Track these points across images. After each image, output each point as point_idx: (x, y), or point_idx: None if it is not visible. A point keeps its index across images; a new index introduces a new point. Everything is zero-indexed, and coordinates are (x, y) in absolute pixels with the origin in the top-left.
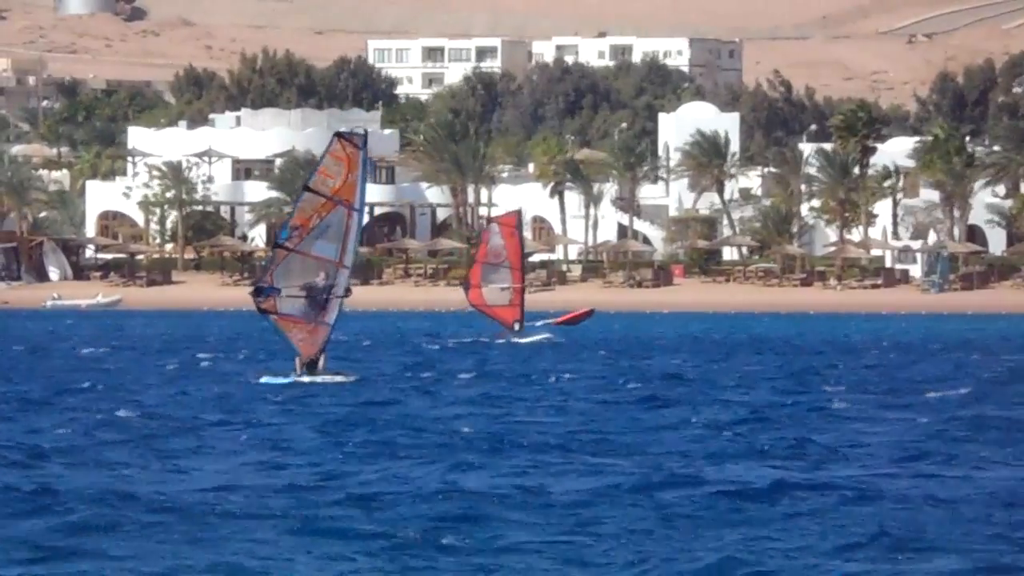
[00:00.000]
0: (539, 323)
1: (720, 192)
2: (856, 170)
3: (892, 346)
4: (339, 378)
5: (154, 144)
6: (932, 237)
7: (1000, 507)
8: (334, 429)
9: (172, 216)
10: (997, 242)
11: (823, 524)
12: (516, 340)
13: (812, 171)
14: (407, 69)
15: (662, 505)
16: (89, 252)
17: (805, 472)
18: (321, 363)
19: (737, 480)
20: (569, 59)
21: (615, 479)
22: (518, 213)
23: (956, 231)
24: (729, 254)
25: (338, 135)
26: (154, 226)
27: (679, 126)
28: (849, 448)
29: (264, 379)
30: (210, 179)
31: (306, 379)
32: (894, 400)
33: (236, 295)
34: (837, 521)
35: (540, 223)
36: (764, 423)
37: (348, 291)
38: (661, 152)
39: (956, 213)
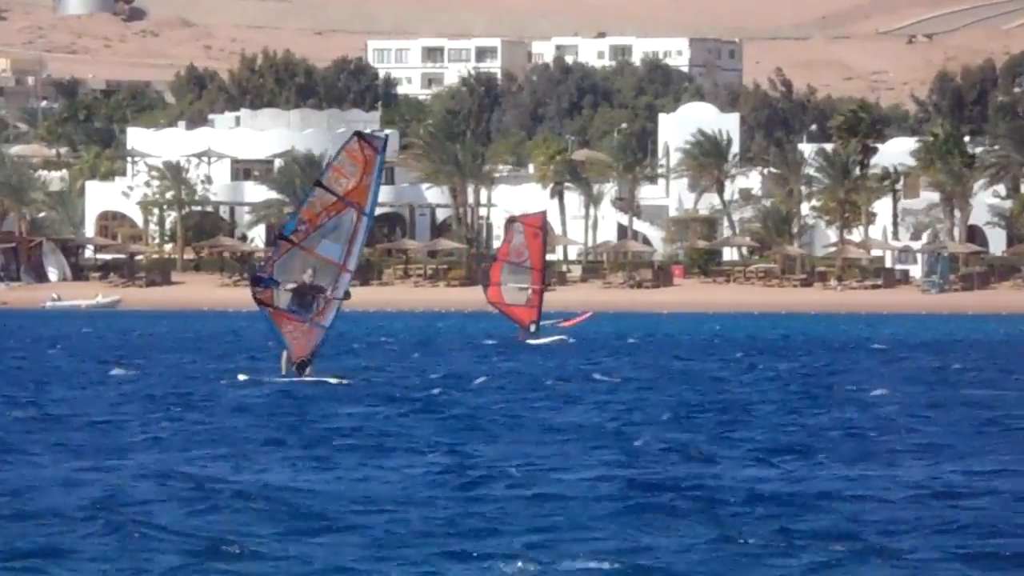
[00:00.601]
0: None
1: (720, 192)
2: (856, 170)
3: (854, 347)
4: (334, 380)
5: (153, 144)
6: (931, 237)
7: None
8: (209, 427)
9: (171, 216)
10: (997, 242)
11: (617, 521)
12: (531, 341)
13: (812, 171)
14: (407, 69)
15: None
16: (88, 252)
17: (639, 472)
18: (308, 368)
19: (550, 481)
20: (569, 59)
21: (419, 478)
22: (543, 214)
23: (956, 231)
24: (729, 254)
25: (359, 135)
26: (153, 226)
27: (679, 126)
28: (710, 448)
29: (241, 377)
30: (208, 179)
31: (305, 378)
32: (797, 401)
33: (235, 296)
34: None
35: None
36: (638, 425)
37: (347, 294)
38: (661, 152)
39: (956, 213)
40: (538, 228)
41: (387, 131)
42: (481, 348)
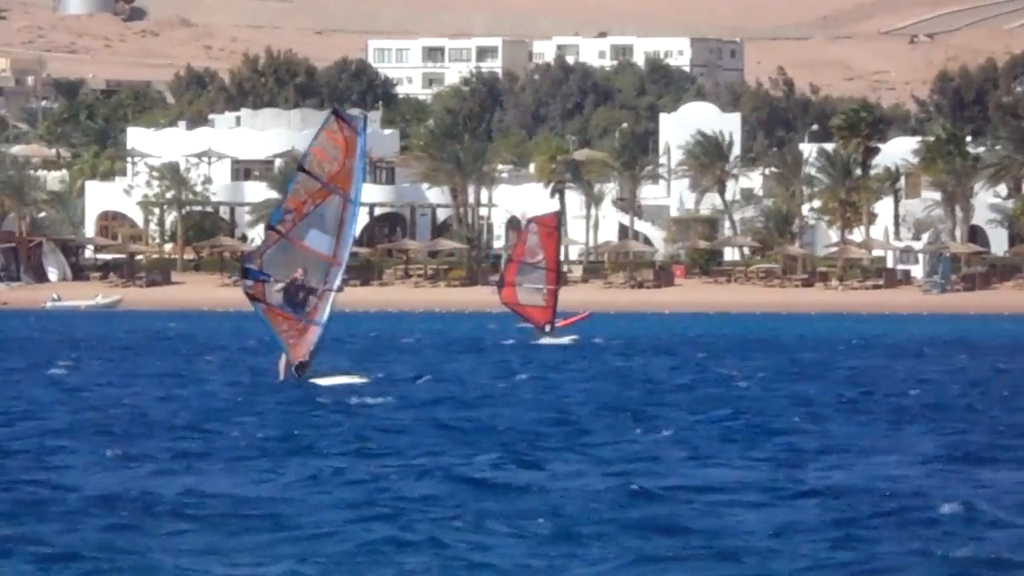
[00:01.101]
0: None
1: (721, 192)
2: (857, 170)
3: (823, 347)
4: (353, 380)
5: (153, 144)
6: (932, 237)
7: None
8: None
9: (171, 216)
10: (999, 243)
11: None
12: (546, 341)
13: (813, 171)
14: (407, 69)
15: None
16: (88, 252)
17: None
18: (307, 370)
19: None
20: (570, 59)
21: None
22: (557, 214)
23: (958, 232)
24: (730, 254)
25: (335, 113)
26: (153, 226)
27: (680, 126)
28: (563, 450)
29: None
30: (208, 180)
31: (324, 382)
32: (691, 402)
33: (235, 296)
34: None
35: None
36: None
37: (340, 287)
38: (662, 152)
39: (958, 213)
40: (553, 228)
41: (366, 114)
42: (451, 348)
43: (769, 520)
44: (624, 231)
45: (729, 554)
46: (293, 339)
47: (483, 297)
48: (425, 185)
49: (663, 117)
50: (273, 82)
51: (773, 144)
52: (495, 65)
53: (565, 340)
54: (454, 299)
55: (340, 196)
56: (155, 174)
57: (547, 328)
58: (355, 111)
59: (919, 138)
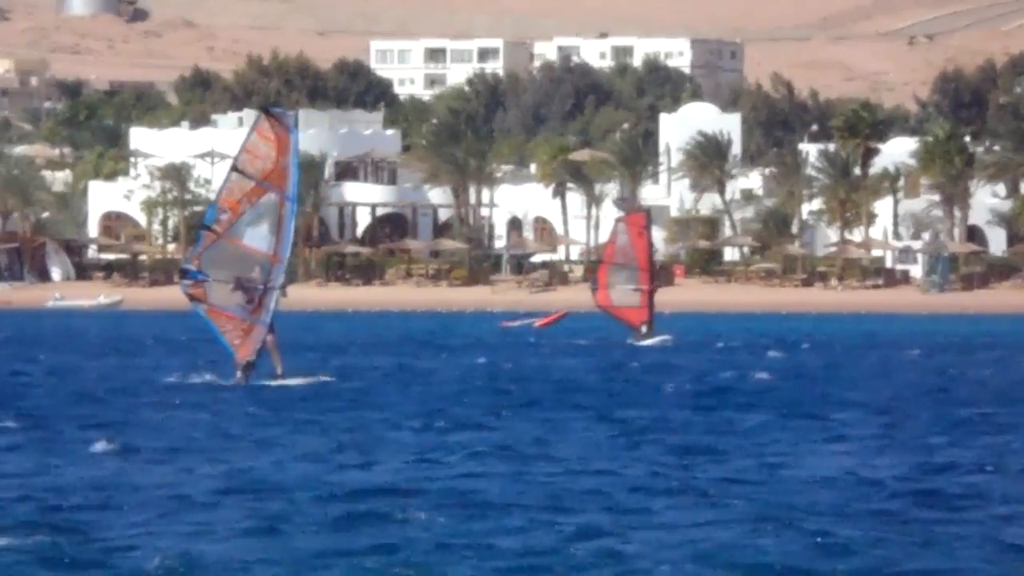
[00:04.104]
0: (516, 323)
1: (721, 192)
2: (857, 171)
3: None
4: (322, 378)
5: (156, 145)
6: (931, 237)
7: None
8: None
9: (174, 216)
10: (997, 242)
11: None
12: (641, 343)
13: (813, 172)
14: (409, 70)
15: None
16: (91, 253)
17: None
18: (279, 369)
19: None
20: (574, 59)
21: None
22: (647, 212)
23: (956, 231)
24: (730, 254)
25: (265, 112)
26: (156, 227)
27: (680, 127)
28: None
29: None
30: (207, 182)
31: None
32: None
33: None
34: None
35: (542, 224)
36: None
37: (284, 289)
38: (662, 152)
39: (956, 213)
40: (642, 227)
41: (297, 111)
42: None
43: None
44: None
45: None
46: (238, 339)
47: (484, 296)
48: (427, 185)
49: (663, 117)
50: (280, 84)
51: (773, 144)
52: (497, 66)
53: (658, 340)
54: (455, 299)
55: (276, 194)
56: (156, 175)
57: (643, 329)
58: (356, 112)
59: (918, 138)
